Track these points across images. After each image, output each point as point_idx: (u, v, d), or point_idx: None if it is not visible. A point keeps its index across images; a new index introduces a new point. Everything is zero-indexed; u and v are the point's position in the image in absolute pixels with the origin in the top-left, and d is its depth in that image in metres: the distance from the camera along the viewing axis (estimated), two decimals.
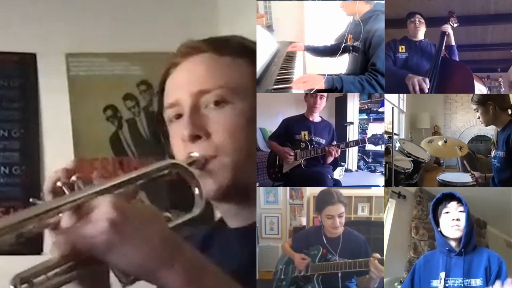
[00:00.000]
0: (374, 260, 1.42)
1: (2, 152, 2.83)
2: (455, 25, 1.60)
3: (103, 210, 0.76)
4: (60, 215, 0.81)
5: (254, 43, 1.10)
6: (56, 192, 0.88)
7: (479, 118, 1.60)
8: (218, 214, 1.15)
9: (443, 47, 1.62)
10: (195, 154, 0.99)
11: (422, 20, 1.72)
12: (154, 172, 0.92)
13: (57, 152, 2.85)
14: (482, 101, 1.57)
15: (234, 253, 1.04)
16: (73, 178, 0.87)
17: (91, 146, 2.85)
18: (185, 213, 0.95)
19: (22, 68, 2.86)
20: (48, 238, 0.86)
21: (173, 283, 0.76)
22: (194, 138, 1.00)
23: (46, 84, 2.88)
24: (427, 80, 1.54)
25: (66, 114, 2.86)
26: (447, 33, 1.61)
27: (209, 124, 1.00)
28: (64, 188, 0.86)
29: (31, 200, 0.84)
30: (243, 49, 1.06)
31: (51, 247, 0.78)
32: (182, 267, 0.77)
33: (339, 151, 1.82)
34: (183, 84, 1.04)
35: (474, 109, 1.60)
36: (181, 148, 1.02)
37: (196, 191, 0.95)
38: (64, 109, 2.86)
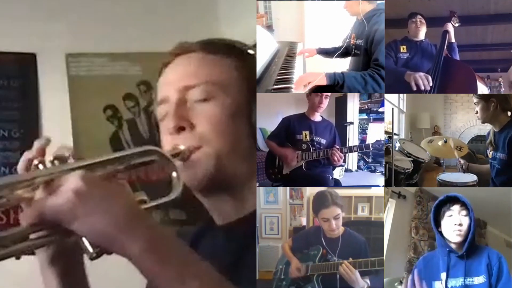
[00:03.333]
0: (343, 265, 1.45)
1: (2, 152, 2.83)
2: (457, 24, 1.61)
3: (70, 182, 0.81)
4: (35, 191, 0.85)
5: (245, 45, 1.13)
6: (30, 168, 0.90)
7: (477, 113, 1.59)
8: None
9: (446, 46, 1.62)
10: (181, 147, 1.01)
11: (423, 21, 1.72)
12: (132, 157, 0.94)
13: None
14: (485, 96, 1.57)
15: (222, 252, 1.04)
16: (50, 158, 0.89)
17: (91, 146, 2.85)
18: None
19: (22, 68, 2.86)
20: None
21: (134, 251, 0.80)
22: (179, 129, 1.03)
23: (46, 84, 2.88)
24: (430, 77, 1.53)
25: (66, 114, 2.85)
26: (448, 31, 1.61)
27: (193, 116, 1.03)
28: (40, 165, 0.87)
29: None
30: (231, 50, 1.09)
31: (21, 215, 0.83)
32: (143, 237, 0.80)
33: (343, 157, 1.82)
34: (172, 81, 1.08)
35: (475, 103, 1.59)
36: (168, 141, 1.05)
37: (174, 174, 0.96)
38: (64, 109, 2.85)
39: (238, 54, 1.09)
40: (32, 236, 0.83)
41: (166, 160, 0.96)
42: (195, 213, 0.98)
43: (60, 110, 2.85)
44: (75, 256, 1.02)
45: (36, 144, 0.93)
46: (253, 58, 1.11)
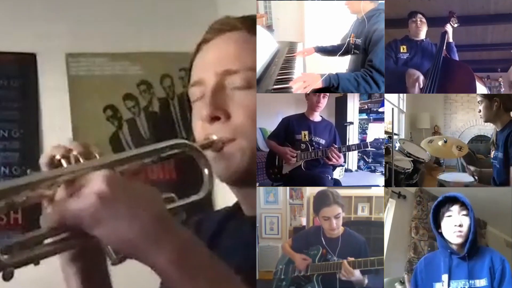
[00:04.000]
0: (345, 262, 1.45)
1: (2, 152, 2.83)
2: (456, 25, 1.60)
3: (94, 184, 0.74)
4: (57, 187, 0.80)
5: None
6: (54, 165, 0.85)
7: (480, 111, 1.58)
8: (232, 199, 1.11)
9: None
10: (213, 137, 0.95)
11: (424, 20, 1.72)
12: (162, 150, 0.88)
13: None
14: (488, 96, 1.56)
15: (247, 243, 1.01)
16: (74, 152, 0.84)
17: None
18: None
19: (22, 68, 2.87)
20: None
21: (161, 262, 0.75)
22: (213, 119, 0.96)
23: (46, 84, 2.88)
24: (423, 77, 1.54)
25: (66, 114, 2.86)
26: (446, 32, 1.60)
27: (230, 106, 0.96)
28: (62, 161, 0.83)
29: (28, 172, 0.82)
30: None
31: (41, 218, 0.78)
32: (171, 247, 0.75)
33: (341, 157, 1.81)
34: (211, 63, 0.99)
35: (478, 101, 1.58)
36: (200, 128, 0.99)
37: (206, 171, 0.91)
38: (64, 109, 2.86)
39: None
40: (51, 240, 0.78)
41: (198, 153, 0.91)
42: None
43: (60, 110, 2.85)
44: (98, 255, 0.94)
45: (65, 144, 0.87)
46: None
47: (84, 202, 0.74)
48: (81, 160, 0.83)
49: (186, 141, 0.91)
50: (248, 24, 1.01)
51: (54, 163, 0.84)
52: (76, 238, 0.78)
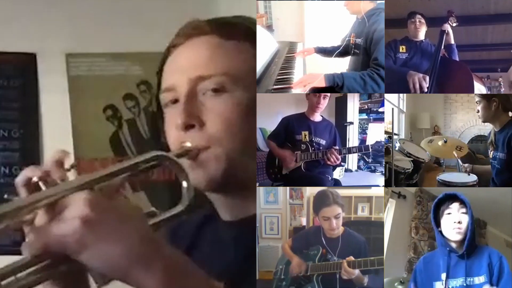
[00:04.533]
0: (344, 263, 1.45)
1: (2, 152, 2.83)
2: (454, 24, 1.60)
3: (76, 207, 0.73)
4: (37, 211, 0.77)
5: (255, 24, 1.03)
6: (31, 186, 0.82)
7: (478, 112, 1.58)
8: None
9: (442, 47, 1.62)
10: (188, 145, 0.94)
11: (423, 20, 1.71)
12: (140, 164, 0.86)
13: None
14: (487, 96, 1.56)
15: (226, 248, 1.00)
16: (52, 173, 0.82)
17: (91, 146, 2.85)
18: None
19: (22, 68, 2.87)
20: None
21: (149, 284, 0.73)
22: (188, 127, 0.94)
23: (46, 84, 2.88)
24: (427, 78, 1.53)
25: (66, 114, 2.86)
26: (446, 31, 1.60)
27: (204, 113, 0.95)
28: (40, 183, 0.80)
29: (5, 196, 0.79)
30: (249, 32, 0.99)
31: (23, 246, 0.74)
32: (160, 268, 0.74)
33: (340, 159, 1.81)
34: (182, 68, 0.98)
35: (476, 102, 1.58)
36: (175, 136, 0.97)
37: (184, 184, 0.90)
38: (64, 109, 2.86)
39: (253, 37, 0.99)
40: (33, 268, 0.75)
41: (177, 166, 0.90)
42: (196, 206, 0.92)
43: (60, 110, 2.85)
44: (81, 276, 0.90)
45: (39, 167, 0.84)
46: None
47: (68, 228, 0.72)
48: (59, 181, 0.81)
49: (165, 153, 0.91)
50: (219, 27, 1.00)
51: (30, 185, 0.82)
52: (61, 265, 0.75)
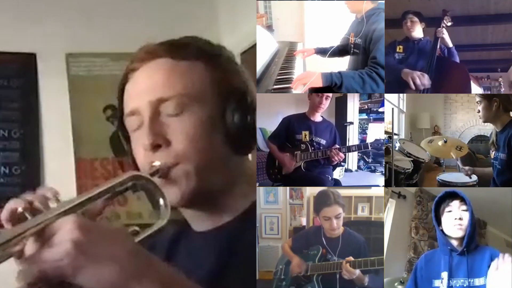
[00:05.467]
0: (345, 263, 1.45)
1: (2, 152, 2.83)
2: (449, 24, 1.59)
3: (65, 231, 0.74)
4: (25, 241, 0.77)
5: (213, 46, 1.07)
6: (16, 218, 0.82)
7: (479, 112, 1.58)
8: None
9: (441, 49, 1.62)
10: (157, 163, 0.97)
11: (415, 19, 1.70)
12: (117, 186, 0.89)
13: (57, 152, 2.86)
14: (487, 96, 1.56)
15: (202, 257, 1.02)
16: (35, 204, 0.83)
17: (91, 146, 2.86)
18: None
19: (22, 68, 2.87)
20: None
21: None
22: (155, 147, 0.97)
23: (46, 84, 2.88)
24: (426, 76, 1.53)
25: (66, 114, 2.86)
26: (440, 37, 1.60)
27: (168, 132, 0.98)
28: (26, 213, 0.81)
29: None
30: (201, 53, 1.03)
31: (16, 276, 0.74)
32: (152, 281, 0.76)
33: (343, 157, 1.82)
34: (142, 92, 1.01)
35: (477, 102, 1.58)
36: (143, 157, 1.00)
37: (161, 201, 0.92)
38: (64, 109, 2.86)
39: (207, 56, 1.03)
40: None
41: (152, 185, 0.92)
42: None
43: (60, 110, 2.86)
44: None
45: (29, 195, 0.85)
46: (219, 57, 1.04)
47: (60, 251, 0.73)
48: (43, 210, 0.81)
49: (140, 173, 0.94)
50: (171, 50, 1.03)
51: (16, 217, 0.83)
52: None
